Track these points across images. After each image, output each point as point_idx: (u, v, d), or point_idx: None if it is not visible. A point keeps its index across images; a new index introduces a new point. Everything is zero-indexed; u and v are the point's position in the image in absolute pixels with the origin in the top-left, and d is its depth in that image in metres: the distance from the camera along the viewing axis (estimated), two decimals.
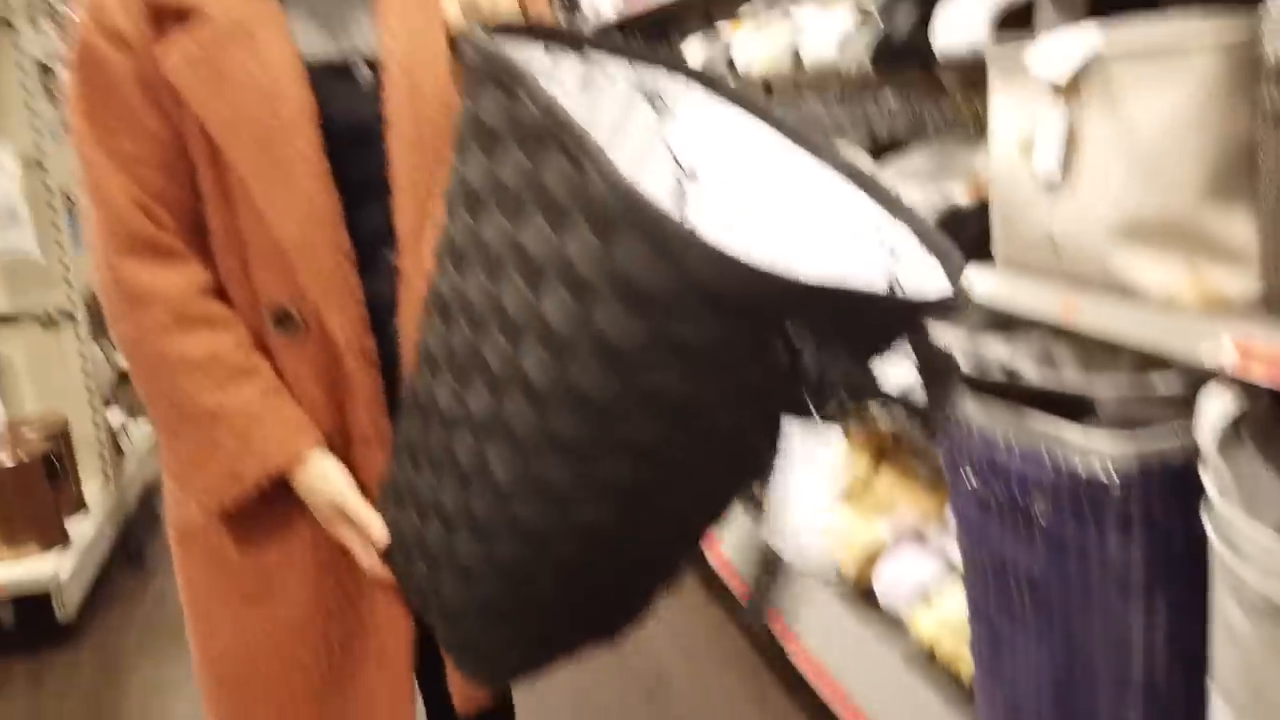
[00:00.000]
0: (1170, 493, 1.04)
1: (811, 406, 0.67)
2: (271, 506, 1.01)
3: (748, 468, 0.85)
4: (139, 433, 3.56)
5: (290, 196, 0.95)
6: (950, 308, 0.70)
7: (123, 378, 3.38)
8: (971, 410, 1.18)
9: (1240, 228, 1.04)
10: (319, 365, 1.00)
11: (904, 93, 2.16)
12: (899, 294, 0.75)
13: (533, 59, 0.84)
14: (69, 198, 2.98)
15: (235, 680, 1.07)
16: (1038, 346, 1.38)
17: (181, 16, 0.95)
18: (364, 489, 1.00)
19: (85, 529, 2.83)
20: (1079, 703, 1.13)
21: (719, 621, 2.56)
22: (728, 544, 2.43)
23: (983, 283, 1.33)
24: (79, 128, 0.98)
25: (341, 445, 1.02)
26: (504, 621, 0.89)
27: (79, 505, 2.90)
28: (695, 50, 2.83)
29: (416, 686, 1.10)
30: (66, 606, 2.60)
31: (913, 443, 2.04)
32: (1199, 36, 1.02)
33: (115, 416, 3.30)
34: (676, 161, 0.90)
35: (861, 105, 2.32)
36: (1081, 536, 1.08)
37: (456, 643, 0.96)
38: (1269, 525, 0.89)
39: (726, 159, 0.89)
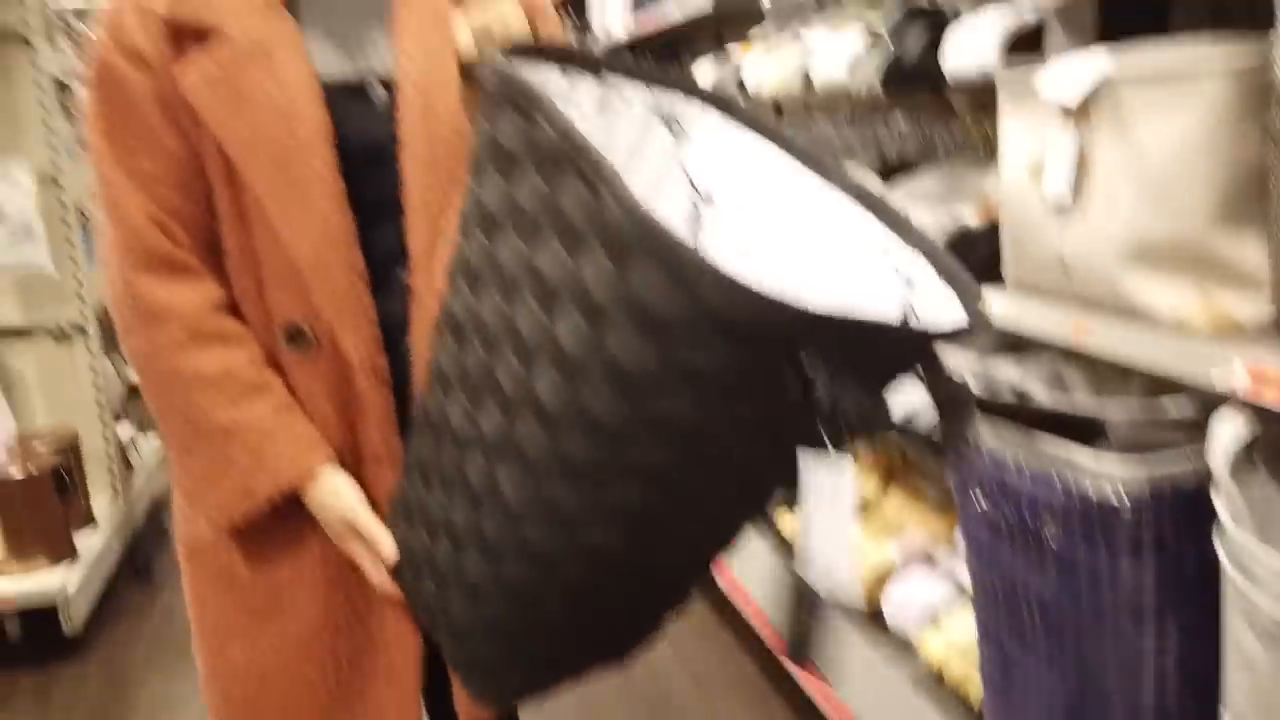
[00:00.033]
0: (1182, 517, 1.04)
1: (824, 436, 0.67)
2: (281, 523, 1.01)
3: (759, 496, 0.84)
4: (148, 447, 3.57)
5: (306, 216, 0.96)
6: (964, 336, 0.70)
7: (133, 392, 3.40)
8: (982, 432, 1.18)
9: (1251, 252, 1.04)
10: (331, 383, 1.01)
11: (914, 115, 2.17)
12: (912, 323, 0.75)
13: (549, 81, 0.84)
14: (83, 213, 3.00)
15: (243, 696, 1.07)
16: (1048, 369, 1.38)
17: (201, 36, 0.96)
18: (374, 506, 1.00)
19: (93, 543, 2.84)
20: None
21: (727, 645, 2.55)
22: (753, 585, 2.42)
23: (993, 304, 1.33)
24: (97, 146, 0.99)
25: (352, 463, 1.02)
26: (511, 642, 0.89)
27: (87, 519, 2.90)
28: (706, 71, 2.85)
29: (423, 705, 1.09)
30: (73, 620, 2.60)
31: (922, 464, 2.04)
32: (1209, 62, 1.02)
33: (125, 431, 3.31)
34: (692, 185, 0.90)
35: (871, 127, 2.33)
36: (1092, 560, 1.08)
37: (464, 661, 0.96)
38: None
39: (742, 183, 0.89)
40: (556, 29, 1.13)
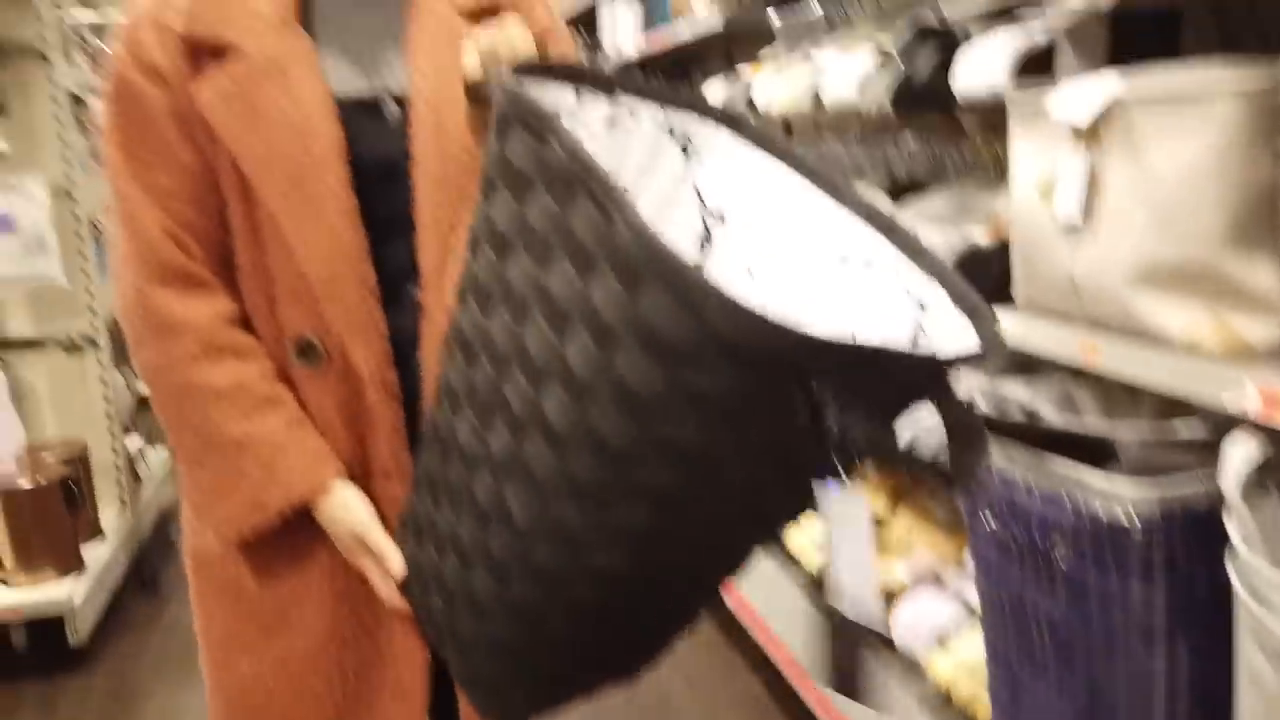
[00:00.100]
0: (1193, 539, 1.03)
1: (836, 464, 0.66)
2: (289, 536, 1.01)
3: (769, 521, 0.84)
4: (156, 459, 3.58)
5: (318, 231, 0.96)
6: (978, 362, 0.69)
7: (142, 404, 3.41)
8: (991, 453, 1.17)
9: (1263, 274, 1.04)
10: (340, 397, 1.01)
11: (924, 135, 2.17)
12: (923, 347, 0.75)
13: (560, 100, 0.85)
14: (96, 226, 3.02)
15: (249, 710, 1.07)
16: (1058, 390, 1.37)
17: (217, 53, 0.96)
18: (384, 521, 1.00)
19: (100, 554, 2.84)
20: None
21: (732, 663, 2.54)
22: (760, 603, 2.41)
23: (1003, 324, 1.33)
24: (114, 160, 1.00)
25: (361, 477, 1.02)
26: (517, 659, 0.88)
27: (95, 531, 2.91)
28: (716, 90, 2.86)
29: None
30: (79, 632, 2.60)
31: (930, 485, 2.03)
32: (1220, 84, 1.02)
33: (133, 443, 3.32)
34: (704, 205, 0.91)
35: (881, 147, 2.34)
36: (1103, 581, 1.07)
37: (471, 677, 0.96)
38: None
39: (754, 203, 0.89)
40: (569, 48, 1.14)
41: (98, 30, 3.63)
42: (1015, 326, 1.31)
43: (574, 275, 0.69)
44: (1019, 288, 1.34)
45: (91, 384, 3.03)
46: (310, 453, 0.99)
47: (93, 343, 3.00)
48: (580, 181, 0.68)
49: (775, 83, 2.40)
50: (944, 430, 0.69)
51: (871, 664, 1.86)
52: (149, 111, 0.98)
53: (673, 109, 0.89)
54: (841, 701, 1.91)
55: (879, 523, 1.96)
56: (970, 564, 1.42)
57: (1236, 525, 0.94)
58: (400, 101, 1.02)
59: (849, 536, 0.71)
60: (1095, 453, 1.13)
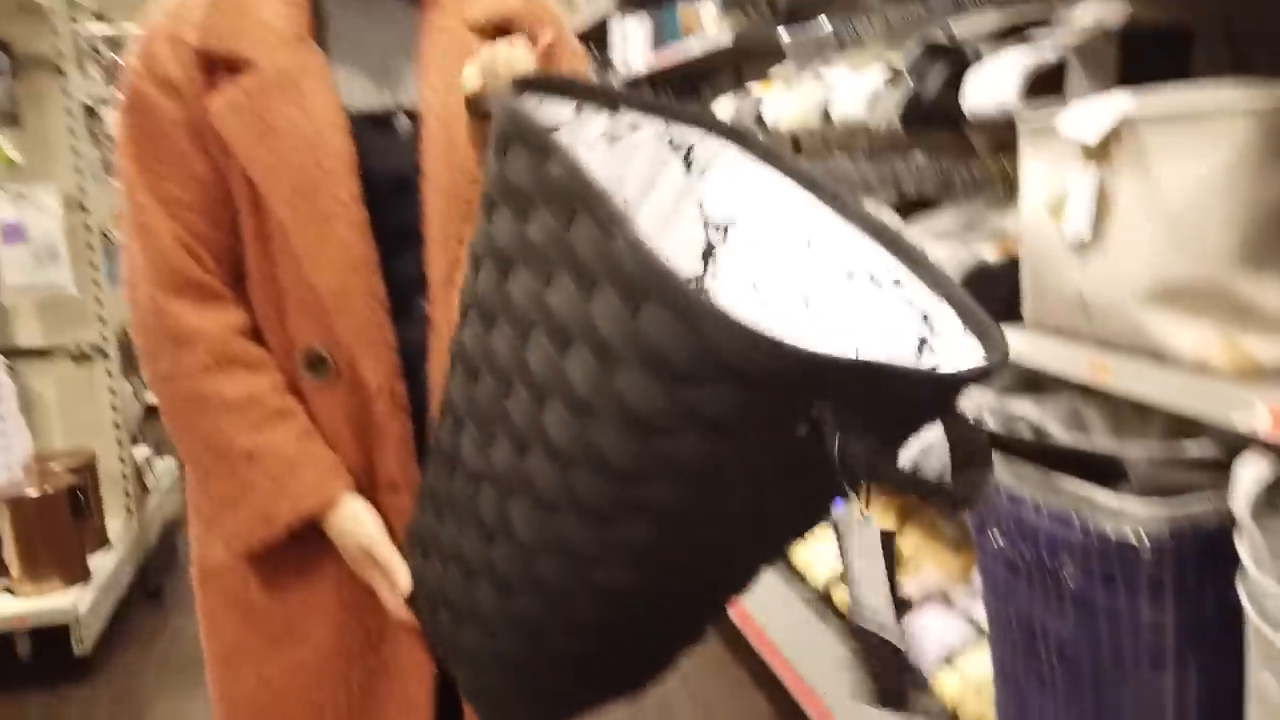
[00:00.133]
0: (1203, 559, 1.03)
1: (841, 484, 0.66)
2: (297, 548, 1.01)
3: (774, 539, 0.84)
4: (163, 469, 3.59)
5: (328, 244, 0.97)
6: (983, 379, 0.69)
7: (150, 414, 3.42)
8: (999, 470, 1.17)
9: (1274, 294, 1.04)
10: (349, 409, 1.01)
11: (933, 152, 2.17)
12: (928, 363, 0.75)
13: (559, 114, 0.85)
14: (107, 236, 3.04)
15: None
16: (1067, 408, 1.37)
17: (232, 67, 0.97)
18: (391, 533, 1.00)
19: (106, 563, 2.84)
20: None
21: (738, 680, 2.53)
22: (766, 619, 2.40)
23: (1012, 342, 1.32)
24: (128, 171, 1.01)
25: (369, 489, 1.02)
26: (522, 673, 0.88)
27: (101, 540, 2.91)
28: (725, 107, 2.87)
29: None
30: (84, 641, 2.60)
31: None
32: (1231, 102, 1.02)
33: (141, 452, 3.32)
34: (707, 219, 0.91)
35: (890, 163, 2.34)
36: (1111, 601, 1.06)
37: (476, 690, 0.95)
38: None
39: (759, 218, 0.89)
40: (581, 63, 1.14)
41: (112, 43, 3.66)
42: (1024, 344, 1.31)
43: (575, 292, 0.69)
44: (1028, 305, 1.34)
45: (100, 393, 3.04)
46: (320, 466, 0.99)
47: (102, 352, 3.01)
48: (580, 199, 0.69)
49: (785, 99, 2.41)
50: (948, 448, 0.69)
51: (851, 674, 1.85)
52: (163, 123, 0.99)
53: (675, 123, 0.89)
54: (849, 717, 1.89)
55: None
56: (978, 582, 1.41)
57: (1247, 545, 0.93)
58: (411, 116, 1.03)
59: (867, 559, 0.70)
60: (1104, 472, 1.13)
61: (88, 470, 2.84)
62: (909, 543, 1.93)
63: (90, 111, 3.12)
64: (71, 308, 2.96)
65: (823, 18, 2.48)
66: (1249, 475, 0.95)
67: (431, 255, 1.00)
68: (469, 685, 0.95)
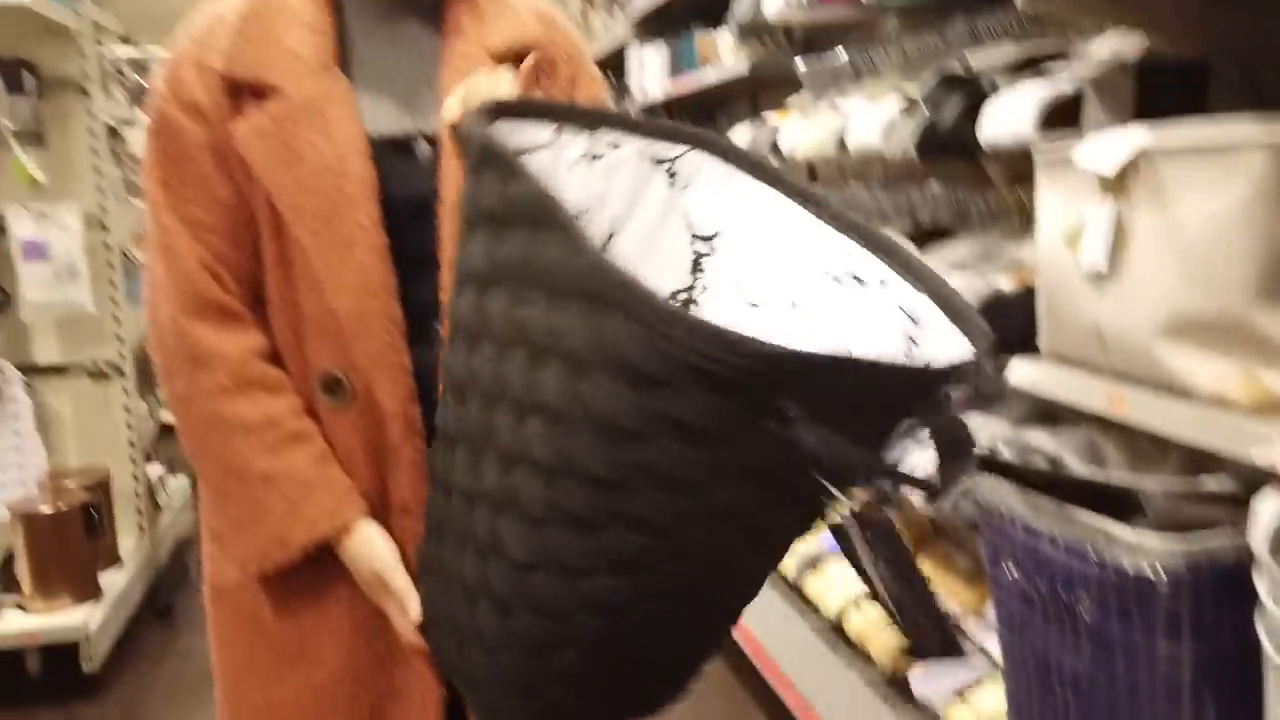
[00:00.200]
0: (1221, 595, 1.02)
1: (825, 484, 0.66)
2: (310, 569, 1.01)
3: (768, 544, 0.84)
4: (176, 487, 3.60)
5: (348, 269, 0.98)
6: (962, 376, 0.69)
7: (165, 432, 3.43)
8: (1014, 502, 1.16)
9: None
10: (363, 432, 1.01)
11: (949, 182, 2.18)
12: (914, 360, 0.75)
13: (539, 137, 0.87)
14: (126, 255, 3.07)
15: None
16: (1083, 441, 1.36)
17: (258, 93, 0.99)
18: (403, 558, 1.00)
19: (117, 581, 2.85)
20: None
21: (743, 703, 2.51)
22: (771, 642, 2.39)
23: (1028, 373, 1.32)
24: (154, 193, 1.02)
25: (382, 512, 1.03)
26: (526, 694, 0.88)
27: (113, 558, 2.92)
28: (742, 134, 2.88)
29: None
30: (93, 659, 2.60)
31: (953, 533, 2.01)
32: (1248, 136, 1.02)
33: (154, 470, 3.34)
34: (692, 231, 0.92)
35: (905, 192, 2.35)
36: (1128, 636, 1.05)
37: (486, 713, 0.95)
38: None
39: (744, 226, 0.90)
40: (600, 89, 1.16)
41: (136, 65, 3.71)
42: (1040, 375, 1.30)
43: (545, 307, 0.72)
44: (1044, 337, 1.34)
45: (115, 411, 3.06)
46: (336, 490, 0.99)
47: (118, 370, 3.04)
48: (544, 214, 0.71)
49: (801, 128, 2.42)
50: (930, 443, 0.69)
51: (864, 707, 1.83)
52: (189, 147, 1.00)
53: (655, 139, 0.91)
54: None
55: None
56: (992, 615, 1.40)
57: (1266, 582, 0.93)
58: (431, 141, 1.04)
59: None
60: (1121, 505, 1.12)
61: (102, 488, 2.85)
62: (922, 572, 1.92)
63: (113, 132, 3.16)
64: (89, 326, 2.98)
65: (839, 48, 2.50)
66: (1268, 511, 0.94)
67: (447, 279, 1.01)
68: (478, 708, 0.95)
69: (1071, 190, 1.24)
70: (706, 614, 0.89)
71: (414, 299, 1.01)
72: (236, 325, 1.00)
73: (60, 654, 2.61)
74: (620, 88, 4.21)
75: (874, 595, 1.66)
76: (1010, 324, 1.39)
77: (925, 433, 0.69)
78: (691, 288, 0.93)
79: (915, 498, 1.72)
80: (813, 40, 2.89)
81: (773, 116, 2.77)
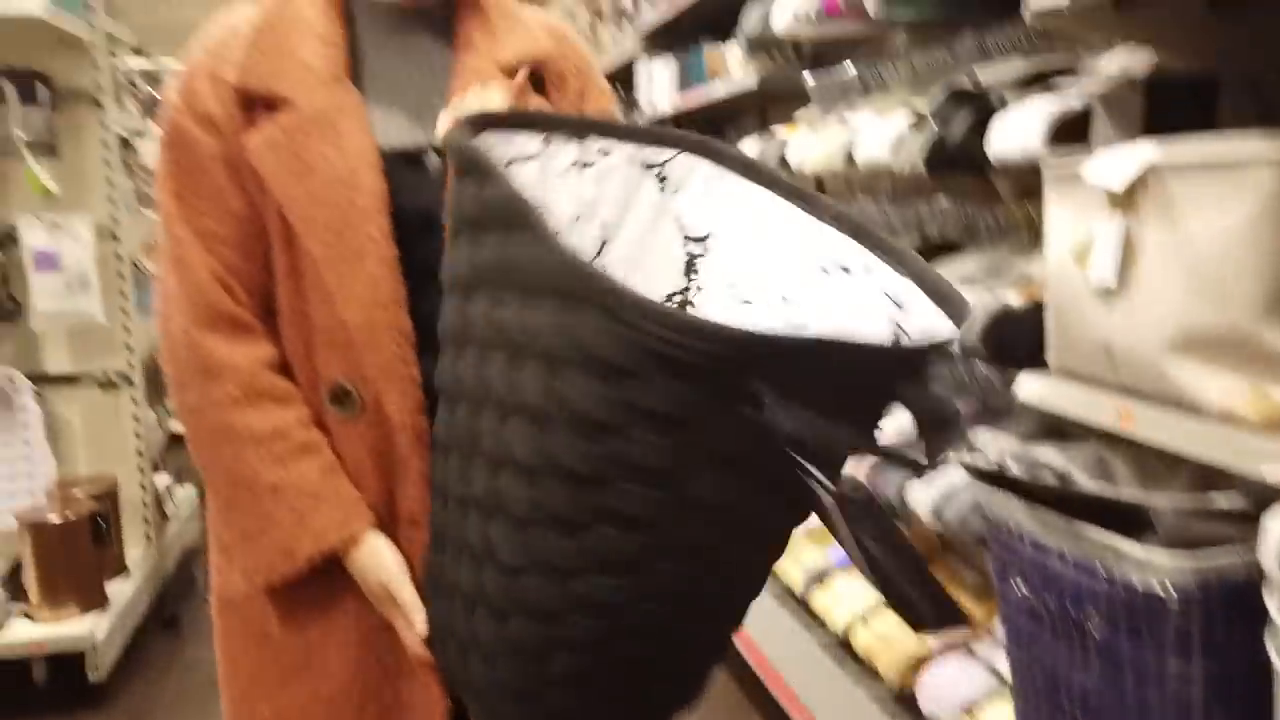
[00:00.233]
0: (1231, 612, 1.01)
1: (809, 470, 0.67)
2: (317, 581, 1.01)
3: (758, 538, 0.83)
4: (183, 497, 3.60)
5: (359, 280, 0.98)
6: (936, 353, 0.69)
7: (173, 442, 3.44)
8: (1023, 518, 1.16)
9: None
10: (372, 443, 1.02)
11: (957, 196, 2.18)
12: (901, 342, 0.75)
13: (529, 147, 0.88)
14: (137, 266, 3.08)
15: None
16: (1092, 456, 1.36)
17: (270, 105, 0.99)
18: (411, 570, 1.00)
19: (124, 590, 2.85)
20: None
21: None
22: (781, 661, 2.38)
23: (1036, 389, 1.32)
24: (167, 205, 1.03)
25: (389, 524, 1.03)
26: (524, 700, 0.88)
27: (120, 568, 2.92)
28: (750, 147, 2.89)
29: None
30: (99, 669, 2.61)
31: (961, 548, 2.01)
32: (1257, 153, 1.02)
33: (162, 480, 3.34)
34: (685, 233, 0.93)
35: (913, 207, 2.35)
36: (1137, 653, 1.05)
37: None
38: None
39: (735, 225, 0.91)
40: (609, 102, 1.16)
41: (148, 77, 3.74)
42: (1049, 390, 1.30)
43: (519, 307, 0.73)
44: (1053, 352, 1.33)
45: (124, 421, 3.07)
46: (343, 502, 1.00)
47: (128, 380, 3.05)
48: (516, 215, 0.73)
49: (809, 142, 2.43)
50: (913, 420, 0.69)
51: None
52: (202, 159, 1.01)
53: (644, 144, 0.92)
54: None
55: None
56: (1000, 631, 1.39)
57: (1276, 600, 0.92)
58: (441, 154, 1.05)
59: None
60: (1130, 521, 1.11)
61: (109, 497, 2.85)
62: None
63: (125, 143, 3.18)
64: (99, 335, 2.99)
65: (847, 63, 2.50)
66: (1278, 528, 0.94)
67: None
68: (480, 716, 0.95)
69: (1080, 206, 1.24)
70: (706, 614, 0.88)
71: (423, 311, 1.02)
72: (247, 337, 1.01)
73: (66, 663, 2.62)
74: (629, 101, 4.23)
75: (865, 575, 1.66)
76: (1019, 339, 1.39)
77: (910, 410, 0.69)
78: (686, 289, 0.94)
79: (922, 512, 1.71)
80: (821, 55, 2.89)
81: (781, 130, 2.77)
